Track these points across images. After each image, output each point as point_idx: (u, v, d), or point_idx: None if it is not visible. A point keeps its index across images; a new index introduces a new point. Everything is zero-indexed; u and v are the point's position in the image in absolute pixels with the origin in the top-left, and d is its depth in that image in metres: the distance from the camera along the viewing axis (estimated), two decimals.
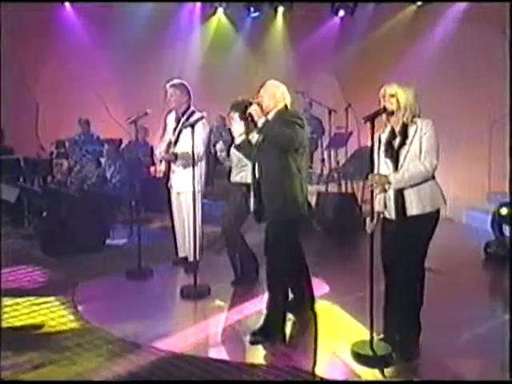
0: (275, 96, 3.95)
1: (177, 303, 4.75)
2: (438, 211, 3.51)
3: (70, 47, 10.41)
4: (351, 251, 6.55)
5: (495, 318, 4.52)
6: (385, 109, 3.48)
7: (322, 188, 8.46)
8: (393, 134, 3.54)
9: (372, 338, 3.45)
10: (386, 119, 3.55)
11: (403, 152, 3.44)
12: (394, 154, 3.50)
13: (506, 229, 5.75)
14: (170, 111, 5.52)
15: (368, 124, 3.38)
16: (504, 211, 5.63)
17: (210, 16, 11.55)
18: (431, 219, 3.51)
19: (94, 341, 3.82)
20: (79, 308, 4.49)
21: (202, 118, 4.89)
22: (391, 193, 3.47)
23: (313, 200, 7.16)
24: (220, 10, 11.54)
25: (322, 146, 9.47)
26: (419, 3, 9.08)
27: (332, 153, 9.37)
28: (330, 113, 8.67)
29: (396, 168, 3.47)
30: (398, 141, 3.50)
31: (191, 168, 4.86)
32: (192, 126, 4.71)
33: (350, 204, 7.16)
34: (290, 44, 10.55)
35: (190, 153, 4.80)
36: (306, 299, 4.22)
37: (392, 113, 3.48)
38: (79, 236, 6.43)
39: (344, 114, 8.71)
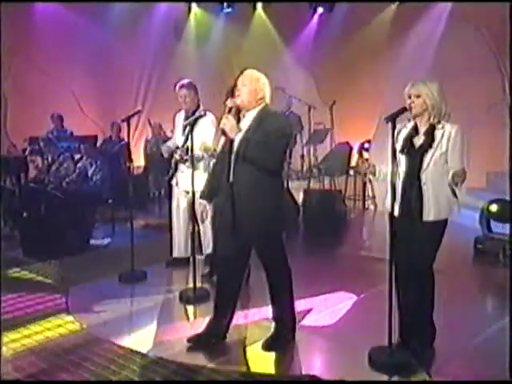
0: (257, 91, 3.34)
1: (176, 307, 4.45)
2: None
3: (41, 41, 9.95)
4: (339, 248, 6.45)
5: (487, 312, 4.60)
6: (405, 108, 3.30)
7: (303, 183, 8.35)
8: (415, 132, 3.37)
9: (390, 343, 3.28)
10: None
11: (429, 155, 3.27)
12: (411, 152, 3.34)
13: (495, 225, 5.72)
14: (179, 110, 5.27)
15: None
16: (494, 208, 5.58)
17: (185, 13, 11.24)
18: (444, 224, 3.39)
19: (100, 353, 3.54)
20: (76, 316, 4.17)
21: (202, 116, 4.63)
22: (411, 196, 3.31)
23: (299, 197, 7.04)
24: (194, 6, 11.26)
25: (301, 141, 9.30)
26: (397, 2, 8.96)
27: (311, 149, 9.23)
28: (309, 109, 8.55)
29: (409, 164, 3.31)
30: (421, 141, 3.32)
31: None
32: (192, 124, 4.51)
33: (337, 200, 7.03)
34: (268, 40, 10.29)
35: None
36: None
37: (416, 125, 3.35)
38: (63, 236, 6.09)
39: (322, 111, 8.63)
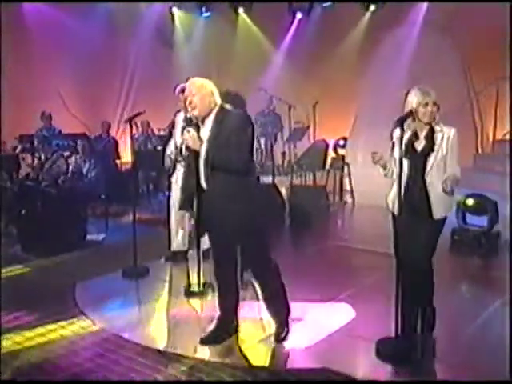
0: (207, 96, 3.16)
1: (183, 302, 4.29)
2: None
3: (27, 40, 9.60)
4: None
5: (465, 299, 4.66)
6: (411, 112, 3.26)
7: (285, 179, 8.33)
8: (415, 137, 3.35)
9: (397, 335, 3.27)
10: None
11: (431, 158, 3.27)
12: (413, 155, 3.33)
13: (470, 218, 5.79)
14: (179, 110, 5.10)
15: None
16: (470, 202, 5.65)
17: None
18: (444, 220, 3.42)
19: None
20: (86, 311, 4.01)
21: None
22: (416, 196, 3.31)
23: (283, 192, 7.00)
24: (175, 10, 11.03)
25: (282, 139, 9.26)
26: (372, 8, 8.98)
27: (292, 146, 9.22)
28: (289, 109, 8.51)
29: (412, 167, 3.31)
30: (422, 145, 3.31)
31: None
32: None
33: (322, 195, 7.01)
34: (252, 43, 10.16)
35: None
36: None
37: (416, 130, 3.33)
38: (61, 233, 5.88)
39: (301, 111, 8.60)
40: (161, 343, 3.52)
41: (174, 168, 5.09)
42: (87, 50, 10.35)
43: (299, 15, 9.77)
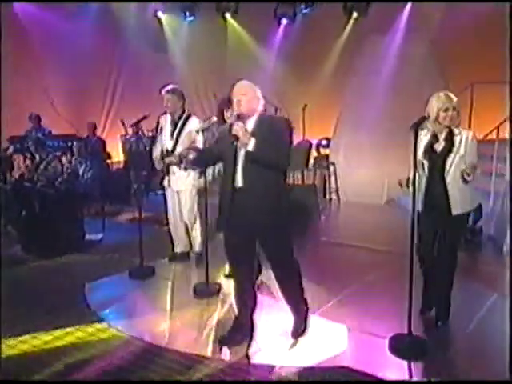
0: (255, 100, 3.17)
1: (192, 302, 4.15)
2: None
3: (14, 40, 9.19)
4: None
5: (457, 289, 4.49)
6: (425, 117, 3.29)
7: None
8: (435, 139, 3.43)
9: (410, 331, 3.25)
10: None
11: (450, 158, 3.34)
12: (432, 156, 3.42)
13: None
14: (164, 113, 4.93)
15: None
16: None
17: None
18: (467, 216, 3.53)
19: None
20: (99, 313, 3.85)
21: (212, 123, 4.39)
22: (437, 194, 3.39)
23: None
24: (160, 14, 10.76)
25: None
26: (355, 15, 8.97)
27: None
28: (276, 110, 8.41)
29: (432, 167, 3.40)
30: (442, 146, 3.38)
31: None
32: (203, 130, 4.37)
33: (312, 193, 6.96)
34: (240, 47, 10.00)
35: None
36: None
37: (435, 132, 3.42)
38: (61, 233, 5.66)
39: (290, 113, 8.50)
40: (180, 345, 3.38)
41: (168, 171, 4.89)
42: (74, 50, 10.07)
43: (284, 21, 9.64)
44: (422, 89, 7.43)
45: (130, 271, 4.70)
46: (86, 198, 6.56)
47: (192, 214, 4.92)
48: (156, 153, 4.95)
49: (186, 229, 5.08)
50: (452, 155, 3.33)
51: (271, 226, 3.16)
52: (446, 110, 3.29)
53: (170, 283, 4.62)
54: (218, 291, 4.24)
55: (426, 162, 3.43)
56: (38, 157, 6.97)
